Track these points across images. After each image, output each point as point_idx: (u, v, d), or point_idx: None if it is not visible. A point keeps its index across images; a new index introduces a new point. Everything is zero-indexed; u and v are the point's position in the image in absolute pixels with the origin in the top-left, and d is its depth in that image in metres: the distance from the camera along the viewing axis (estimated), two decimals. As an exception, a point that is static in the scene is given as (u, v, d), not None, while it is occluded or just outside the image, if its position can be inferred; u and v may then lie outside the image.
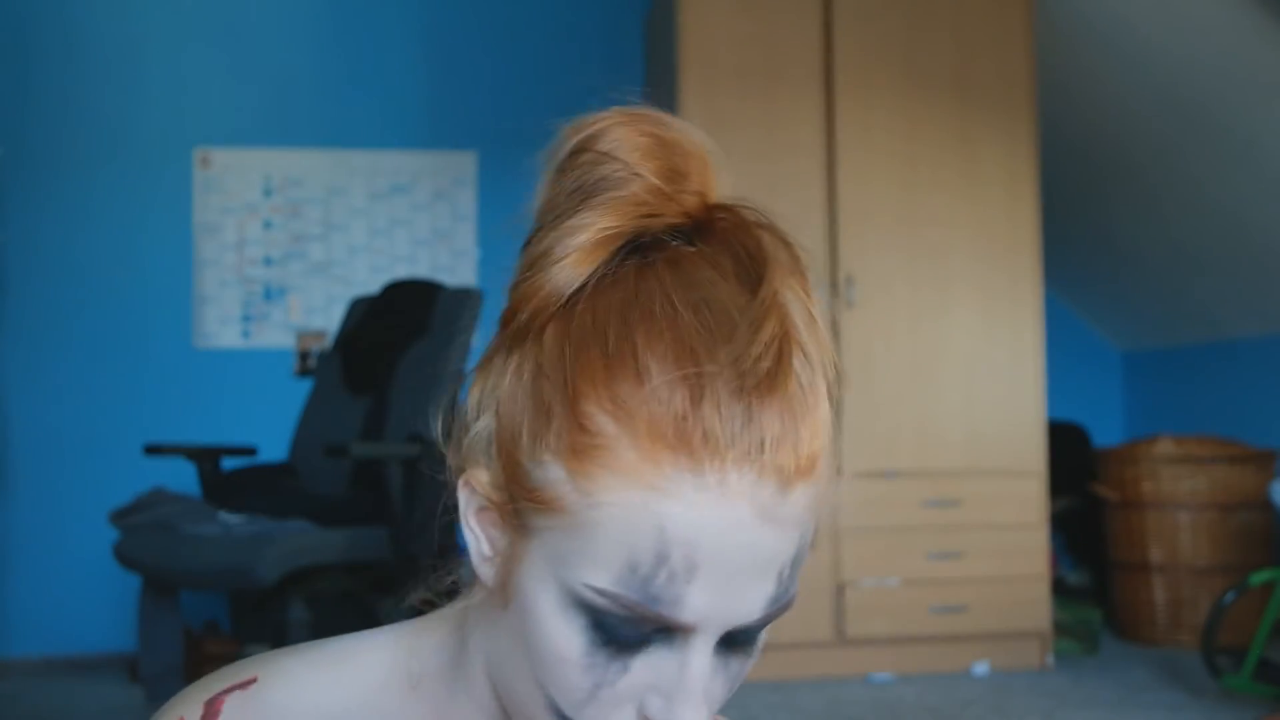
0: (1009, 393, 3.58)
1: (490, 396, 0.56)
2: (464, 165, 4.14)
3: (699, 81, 3.45)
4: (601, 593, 0.50)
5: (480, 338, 2.98)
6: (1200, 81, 3.60)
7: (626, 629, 0.51)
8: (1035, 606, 3.53)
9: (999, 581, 3.52)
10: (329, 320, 4.01)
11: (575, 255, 0.53)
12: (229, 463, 3.16)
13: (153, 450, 3.05)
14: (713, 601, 0.50)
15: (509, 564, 0.55)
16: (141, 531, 2.67)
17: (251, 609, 3.00)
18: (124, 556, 2.67)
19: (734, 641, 0.54)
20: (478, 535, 0.57)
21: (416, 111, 4.15)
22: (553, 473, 0.52)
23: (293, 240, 4.07)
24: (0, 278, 3.89)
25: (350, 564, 2.62)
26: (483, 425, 0.56)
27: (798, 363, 0.51)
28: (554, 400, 0.52)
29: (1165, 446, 3.85)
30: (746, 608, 0.51)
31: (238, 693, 0.59)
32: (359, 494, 2.86)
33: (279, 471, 3.18)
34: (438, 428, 0.60)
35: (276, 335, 4.04)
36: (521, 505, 0.53)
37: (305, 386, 3.68)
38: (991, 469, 3.55)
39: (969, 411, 3.55)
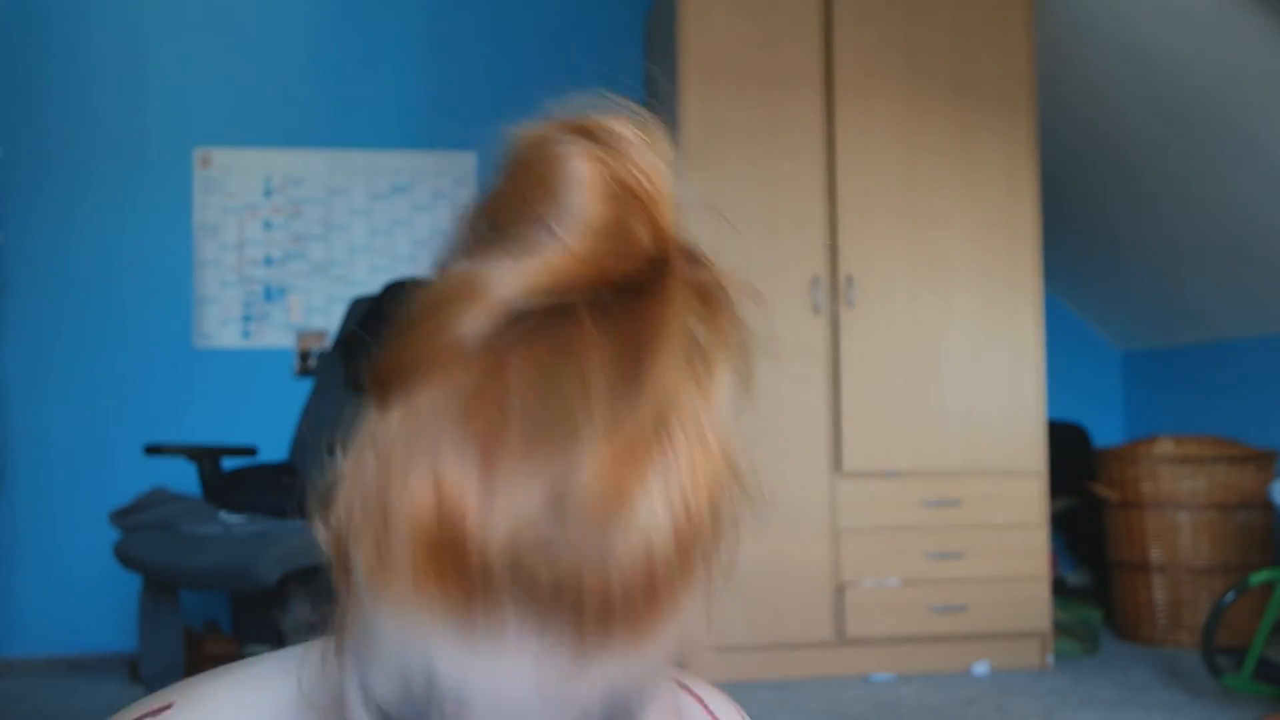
0: (1009, 393, 3.58)
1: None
2: (464, 165, 4.14)
3: (699, 82, 3.46)
4: (381, 707, 0.42)
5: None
6: (1200, 81, 3.60)
7: None
8: (1035, 606, 3.53)
9: (999, 581, 3.52)
10: (329, 320, 4.01)
11: (456, 326, 0.44)
12: (229, 463, 3.16)
13: (153, 450, 3.05)
14: None
15: (344, 614, 0.45)
16: (142, 531, 2.67)
17: (251, 609, 3.01)
18: (124, 556, 2.67)
19: None
20: (325, 554, 0.47)
21: (416, 111, 4.15)
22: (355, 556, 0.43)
23: (293, 240, 4.08)
24: (1, 277, 3.89)
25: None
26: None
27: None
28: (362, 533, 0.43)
29: (1165, 446, 3.85)
30: None
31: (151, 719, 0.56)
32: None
33: (279, 471, 3.19)
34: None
35: (277, 335, 4.04)
36: (341, 554, 0.45)
37: (305, 386, 3.68)
38: (991, 469, 3.55)
39: (969, 412, 3.55)
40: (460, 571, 0.39)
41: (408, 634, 0.40)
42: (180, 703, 0.57)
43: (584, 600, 0.39)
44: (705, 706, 0.63)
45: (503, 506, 0.39)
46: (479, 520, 0.39)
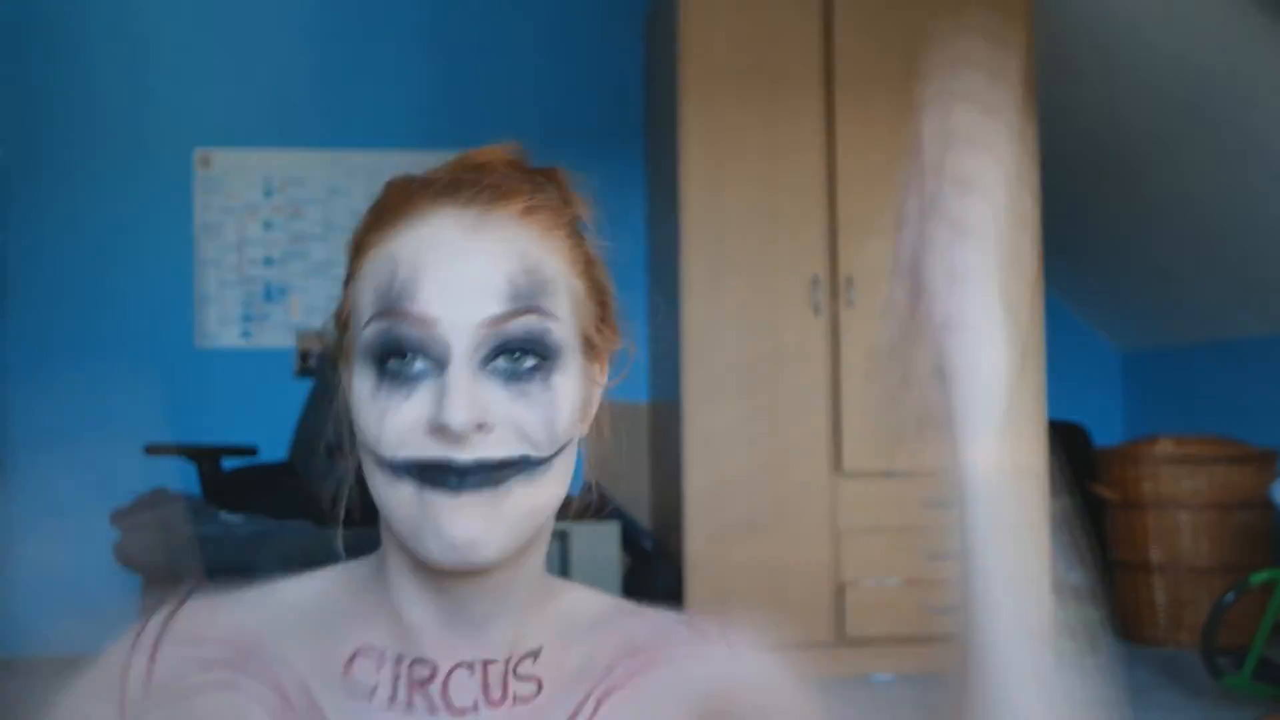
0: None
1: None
2: (464, 165, 4.14)
3: (699, 82, 3.45)
4: (369, 321, 0.65)
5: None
6: (1200, 81, 3.60)
7: (397, 357, 0.64)
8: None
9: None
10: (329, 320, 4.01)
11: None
12: (229, 463, 3.16)
13: (153, 450, 3.05)
14: (447, 299, 0.64)
15: (347, 393, 0.71)
16: (142, 531, 2.67)
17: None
18: (125, 556, 2.67)
19: (514, 365, 0.65)
20: (342, 397, 0.74)
21: (416, 111, 4.15)
22: (347, 289, 0.71)
23: (293, 240, 4.08)
24: (1, 277, 3.89)
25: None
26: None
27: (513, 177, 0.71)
28: (350, 250, 0.72)
29: (1165, 446, 3.85)
30: (481, 304, 0.64)
31: (203, 601, 0.76)
32: (359, 494, 2.86)
33: (279, 471, 3.19)
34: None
35: (277, 335, 4.04)
36: (344, 334, 0.71)
37: (305, 386, 3.68)
38: (991, 469, 3.55)
39: (969, 411, 3.54)
40: (405, 204, 0.68)
41: (375, 258, 0.67)
42: (255, 586, 0.76)
43: (478, 179, 0.69)
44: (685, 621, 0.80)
45: (429, 177, 0.72)
46: (416, 184, 0.71)
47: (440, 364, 0.64)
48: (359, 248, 0.71)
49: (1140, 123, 3.96)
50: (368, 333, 0.65)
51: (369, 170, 4.11)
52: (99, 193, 3.95)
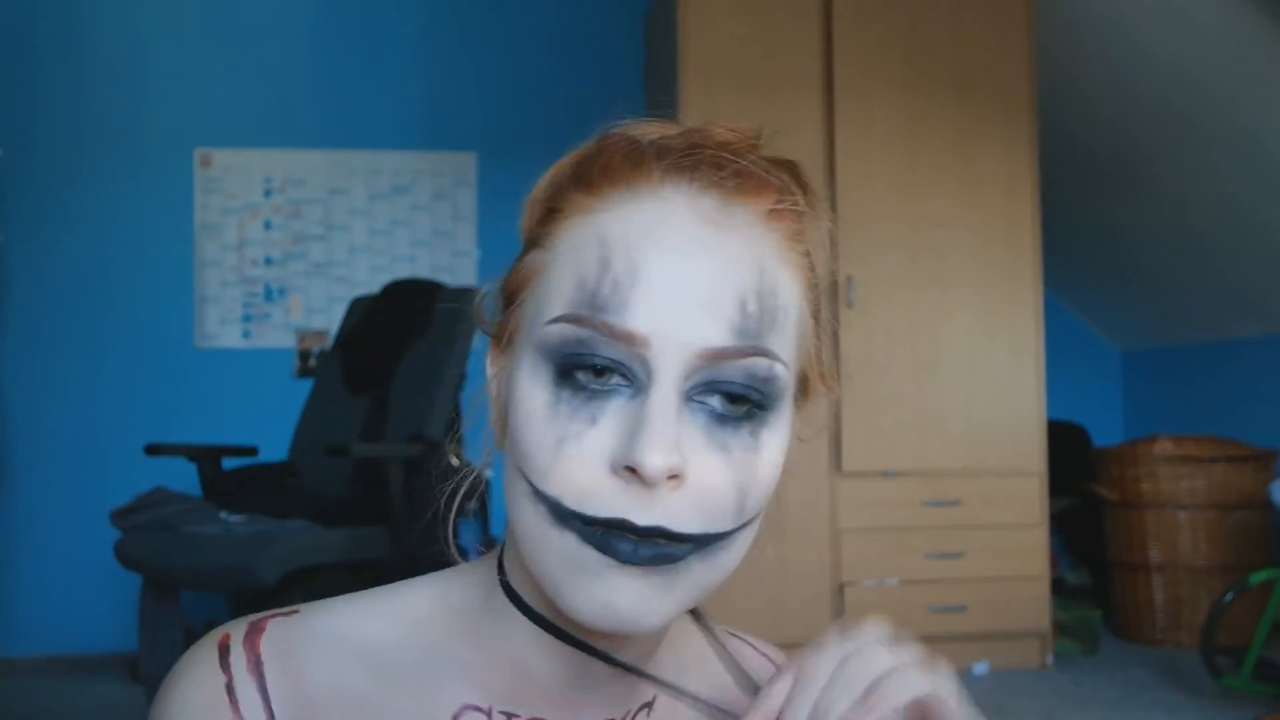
0: (1009, 393, 3.58)
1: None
2: (464, 165, 4.14)
3: (699, 82, 3.46)
4: (559, 320, 0.53)
5: (480, 338, 2.97)
6: (1200, 81, 3.60)
7: (585, 370, 0.53)
8: (1035, 606, 3.53)
9: (999, 581, 3.52)
10: (329, 320, 4.02)
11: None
12: (229, 462, 3.16)
13: (153, 450, 3.05)
14: (665, 313, 0.52)
15: (502, 386, 0.59)
16: (142, 531, 2.67)
17: (251, 609, 3.01)
18: (125, 556, 2.67)
19: (719, 405, 0.53)
20: (490, 384, 0.62)
21: (416, 111, 4.15)
22: (528, 256, 0.58)
23: (293, 240, 4.08)
24: (1, 278, 3.89)
25: (350, 564, 2.62)
26: (492, 287, 0.62)
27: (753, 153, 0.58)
28: (538, 206, 0.59)
29: (1164, 446, 3.85)
30: (705, 329, 0.52)
31: (281, 618, 0.60)
32: (359, 494, 2.86)
33: (279, 471, 3.19)
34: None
35: (277, 335, 4.04)
36: (510, 310, 0.58)
37: (305, 386, 3.68)
38: (991, 469, 3.55)
39: (969, 411, 3.55)
40: (627, 170, 0.55)
41: (578, 235, 0.55)
42: (306, 610, 0.61)
43: (722, 160, 0.55)
44: (754, 647, 0.74)
45: (655, 139, 0.57)
46: (640, 144, 0.56)
47: (638, 386, 0.53)
48: (554, 208, 0.57)
49: (1140, 123, 3.96)
50: (554, 332, 0.54)
51: (369, 170, 4.12)
52: (99, 192, 3.95)
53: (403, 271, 4.04)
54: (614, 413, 0.53)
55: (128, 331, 3.94)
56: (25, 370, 3.89)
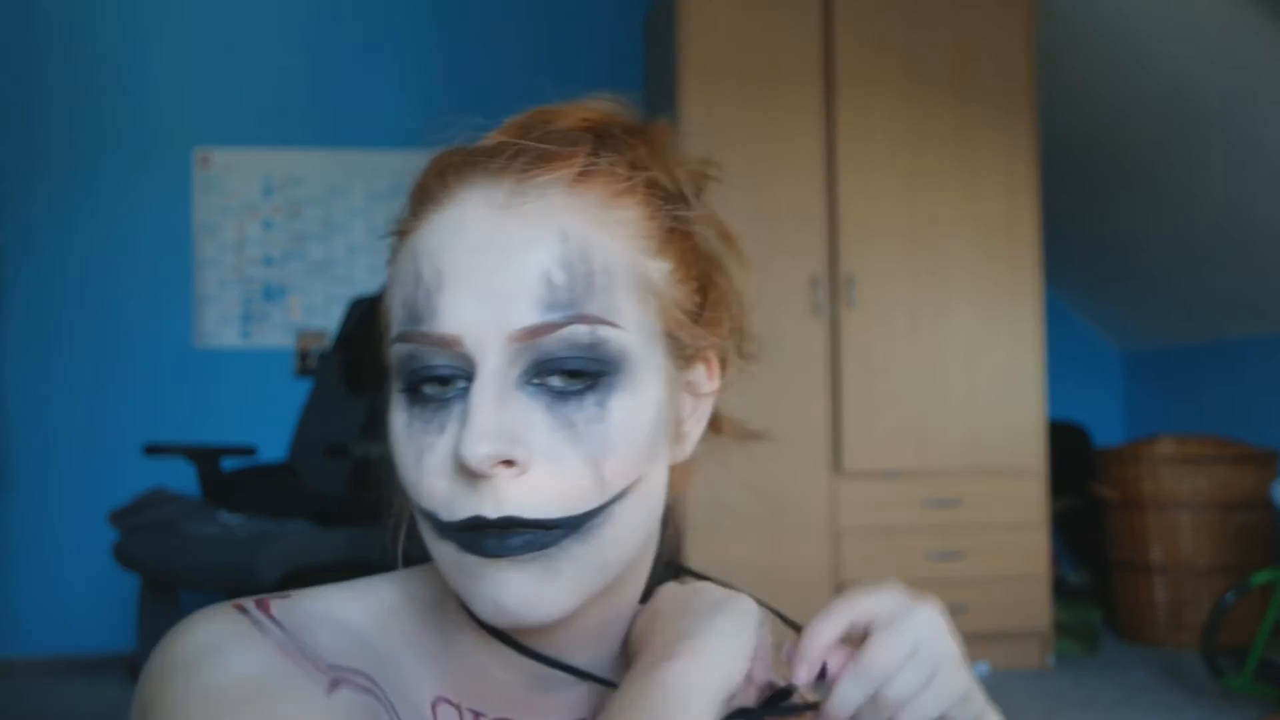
0: (1009, 393, 3.58)
1: None
2: (464, 165, 4.14)
3: (699, 81, 3.45)
4: (394, 341, 0.55)
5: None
6: (1200, 81, 3.60)
7: (430, 382, 0.54)
8: (1035, 606, 3.53)
9: (999, 581, 3.52)
10: (329, 320, 4.01)
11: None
12: (229, 463, 3.16)
13: (153, 450, 3.05)
14: (472, 307, 0.53)
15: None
16: (141, 531, 2.67)
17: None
18: (124, 556, 2.67)
19: (558, 385, 0.53)
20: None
21: (416, 111, 4.14)
22: (385, 289, 0.59)
23: (293, 240, 4.07)
24: (1, 278, 3.89)
25: (350, 564, 2.62)
26: None
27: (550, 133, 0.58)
28: (388, 243, 0.61)
29: (1165, 446, 3.85)
30: (513, 311, 0.52)
31: (278, 600, 0.60)
32: (359, 494, 2.86)
33: (279, 471, 3.19)
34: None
35: (276, 335, 4.04)
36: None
37: (305, 386, 3.68)
38: (991, 469, 3.55)
39: (969, 411, 3.55)
40: (433, 186, 0.57)
41: (402, 256, 0.57)
42: (297, 595, 0.61)
43: (515, 145, 0.56)
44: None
45: (457, 152, 0.59)
46: (445, 160, 0.59)
47: (470, 384, 0.54)
48: (395, 237, 0.60)
49: (1140, 123, 3.96)
50: (394, 354, 0.55)
51: (369, 170, 4.11)
52: (98, 192, 3.95)
53: (402, 271, 4.03)
54: (456, 417, 0.53)
55: (127, 331, 3.93)
56: (25, 370, 3.88)
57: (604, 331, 0.53)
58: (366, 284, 3.97)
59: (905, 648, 0.55)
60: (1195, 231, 4.12)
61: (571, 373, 0.53)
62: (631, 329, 0.55)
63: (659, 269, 0.57)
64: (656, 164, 0.59)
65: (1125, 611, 3.96)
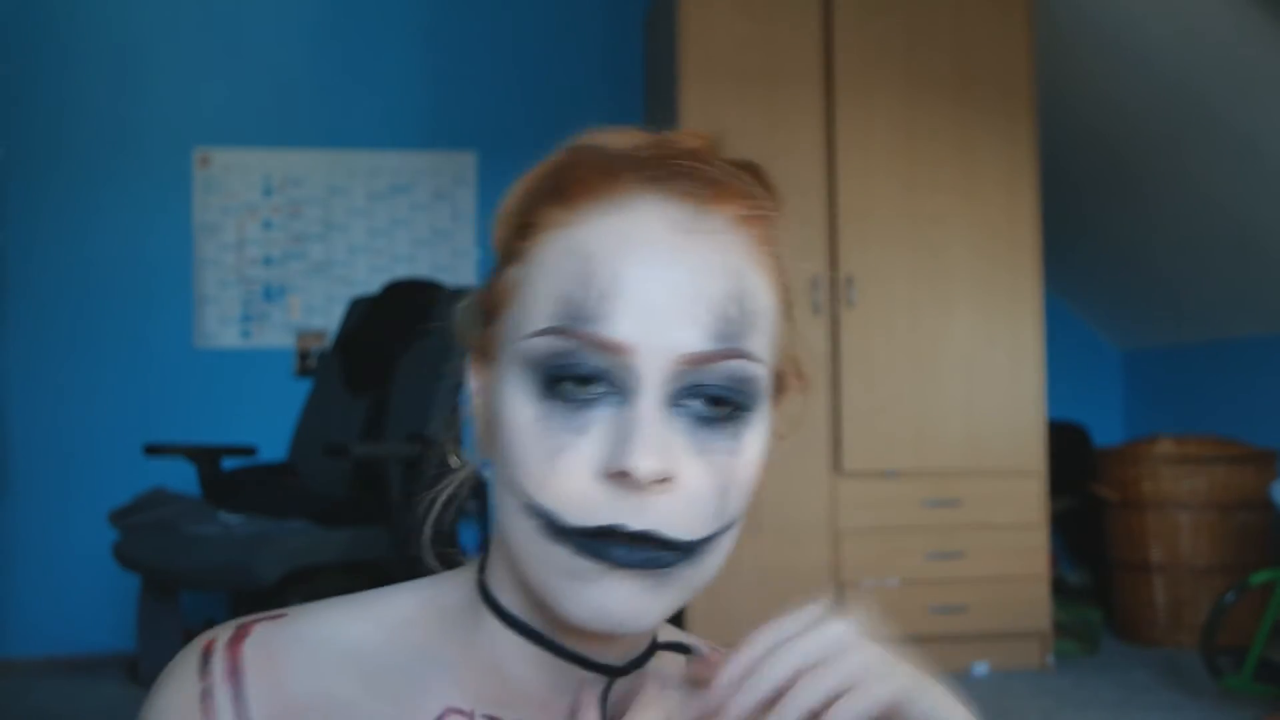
0: (1009, 393, 3.58)
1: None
2: (464, 165, 4.14)
3: (699, 82, 3.45)
4: (544, 332, 0.55)
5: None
6: (1200, 81, 3.60)
7: (572, 380, 0.54)
8: (1035, 606, 3.53)
9: (999, 581, 3.52)
10: (329, 320, 4.01)
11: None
12: (229, 463, 3.16)
13: (153, 450, 3.05)
14: (646, 321, 0.53)
15: (487, 400, 0.60)
16: (141, 531, 2.67)
17: (251, 609, 3.01)
18: (124, 556, 2.67)
19: (702, 408, 0.55)
20: (474, 399, 0.63)
21: (416, 111, 4.15)
22: (506, 271, 0.59)
23: (293, 240, 4.07)
24: (1, 278, 3.89)
25: (350, 564, 2.62)
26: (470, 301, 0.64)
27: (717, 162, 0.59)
28: (511, 221, 0.60)
29: (1165, 446, 3.85)
30: (685, 335, 0.54)
31: (267, 622, 0.62)
32: (359, 494, 2.86)
33: (279, 471, 3.19)
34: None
35: (276, 335, 4.04)
36: (491, 325, 0.60)
37: (305, 386, 3.68)
38: (991, 469, 3.55)
39: (969, 411, 3.55)
40: (600, 183, 0.56)
41: (559, 250, 0.56)
42: (294, 614, 0.63)
43: (691, 169, 0.56)
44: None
45: (622, 151, 0.58)
46: (610, 157, 0.57)
47: (623, 393, 0.54)
48: (530, 223, 0.58)
49: (1140, 123, 3.96)
50: (539, 344, 0.55)
51: (369, 170, 4.11)
52: (98, 192, 3.95)
53: (402, 271, 4.04)
54: (601, 421, 0.54)
55: (127, 331, 3.93)
56: (24, 370, 3.88)
57: (755, 368, 0.57)
58: (366, 284, 3.97)
59: (799, 659, 0.55)
60: (1195, 231, 4.12)
61: (714, 400, 0.55)
62: (766, 369, 0.58)
63: (779, 310, 0.61)
64: (781, 210, 0.62)
65: (1125, 611, 3.96)
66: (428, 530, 0.66)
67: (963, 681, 3.39)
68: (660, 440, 0.53)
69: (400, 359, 3.02)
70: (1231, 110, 3.60)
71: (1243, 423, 4.16)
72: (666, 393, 0.54)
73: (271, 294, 4.05)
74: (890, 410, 3.50)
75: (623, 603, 0.54)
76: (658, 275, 0.54)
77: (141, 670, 2.82)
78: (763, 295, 0.58)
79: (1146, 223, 4.31)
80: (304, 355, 4.03)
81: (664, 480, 0.53)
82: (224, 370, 3.99)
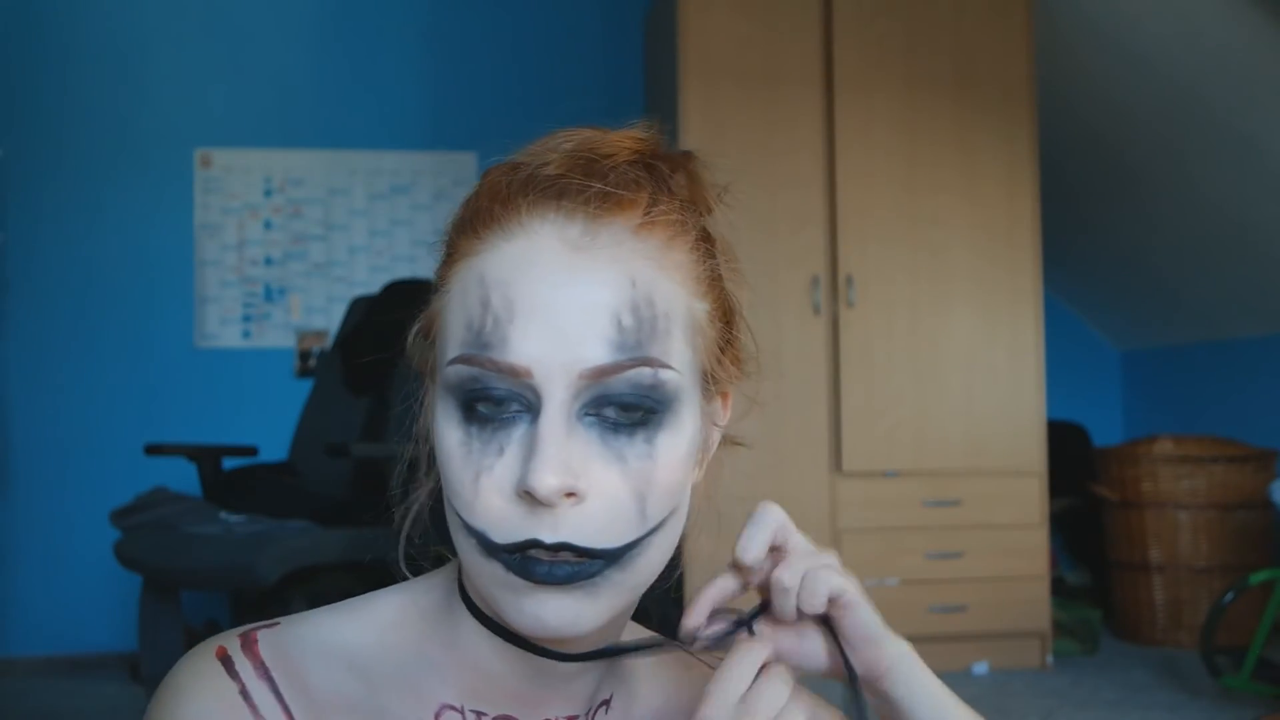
0: (1009, 393, 3.58)
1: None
2: (464, 165, 4.14)
3: (699, 82, 3.46)
4: (454, 361, 0.57)
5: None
6: (1200, 81, 3.60)
7: (486, 402, 0.57)
8: (1035, 606, 3.53)
9: (999, 581, 3.52)
10: (329, 320, 4.02)
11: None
12: (230, 462, 3.16)
13: (153, 450, 3.05)
14: (542, 342, 0.55)
15: (430, 419, 0.63)
16: (142, 531, 2.67)
17: (252, 609, 3.01)
18: (125, 556, 2.67)
19: (612, 417, 0.57)
20: (421, 419, 0.67)
21: (416, 111, 4.15)
22: (434, 298, 0.62)
23: (293, 240, 4.08)
24: (1, 278, 3.89)
25: (350, 564, 2.62)
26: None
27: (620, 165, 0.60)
28: (439, 250, 0.63)
29: (1165, 446, 3.85)
30: (583, 350, 0.55)
31: (266, 630, 0.64)
32: (359, 494, 2.86)
33: (280, 471, 3.19)
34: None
35: (277, 335, 4.04)
36: (431, 350, 0.63)
37: (306, 386, 3.69)
38: (991, 469, 3.55)
39: (969, 411, 3.55)
40: (497, 210, 0.58)
41: (464, 278, 0.58)
42: (285, 622, 0.65)
43: (583, 185, 0.57)
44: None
45: (521, 171, 0.60)
46: (507, 181, 0.59)
47: (533, 411, 0.56)
48: (451, 252, 0.61)
49: (1140, 122, 3.96)
50: (452, 373, 0.58)
51: (369, 171, 4.12)
52: (99, 192, 3.95)
53: (403, 271, 4.04)
54: (517, 440, 0.56)
55: (128, 331, 3.94)
56: (25, 370, 3.89)
57: (664, 374, 0.57)
58: (367, 284, 3.97)
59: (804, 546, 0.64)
60: (1195, 231, 4.13)
61: (625, 406, 0.57)
62: (683, 370, 0.59)
63: (703, 309, 0.61)
64: (696, 197, 0.63)
65: (1124, 611, 3.97)
66: (402, 542, 0.68)
67: (962, 681, 3.39)
68: (560, 458, 0.54)
69: (400, 359, 3.01)
70: (1231, 111, 3.60)
71: (1242, 423, 4.16)
72: (573, 408, 0.56)
73: (272, 294, 4.05)
74: (890, 410, 3.50)
75: (556, 614, 0.57)
76: (553, 295, 0.56)
77: (142, 670, 2.82)
78: (668, 299, 0.58)
79: (1146, 223, 4.32)
80: (304, 355, 4.04)
81: (570, 495, 0.55)
82: (224, 370, 3.99)
